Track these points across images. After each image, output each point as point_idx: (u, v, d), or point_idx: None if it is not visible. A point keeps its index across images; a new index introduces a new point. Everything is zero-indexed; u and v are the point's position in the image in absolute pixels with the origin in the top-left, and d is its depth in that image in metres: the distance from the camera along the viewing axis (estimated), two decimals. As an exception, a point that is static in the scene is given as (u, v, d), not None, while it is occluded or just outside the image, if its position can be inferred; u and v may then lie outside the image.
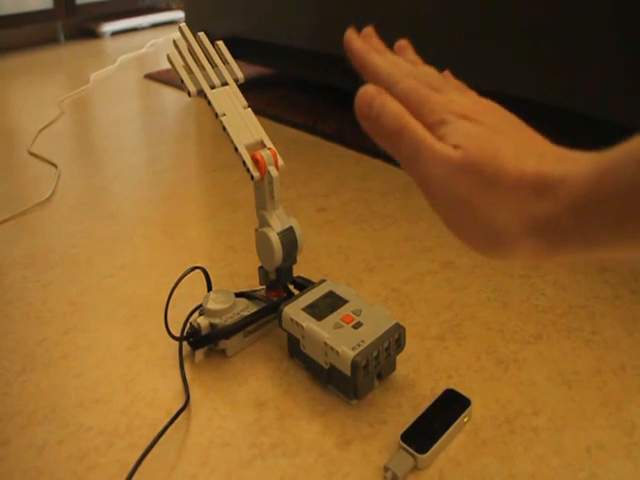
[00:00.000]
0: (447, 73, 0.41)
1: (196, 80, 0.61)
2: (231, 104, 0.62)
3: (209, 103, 0.61)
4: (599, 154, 0.29)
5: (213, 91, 0.61)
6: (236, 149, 0.59)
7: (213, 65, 0.63)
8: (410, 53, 0.43)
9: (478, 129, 0.34)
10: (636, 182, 0.26)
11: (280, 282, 0.67)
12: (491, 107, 0.37)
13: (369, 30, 0.43)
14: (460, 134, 0.34)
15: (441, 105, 0.36)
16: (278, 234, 0.62)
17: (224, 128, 0.60)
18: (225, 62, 0.64)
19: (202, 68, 0.62)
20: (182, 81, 0.60)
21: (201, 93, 0.61)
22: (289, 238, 0.63)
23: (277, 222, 0.63)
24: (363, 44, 0.41)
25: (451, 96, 0.37)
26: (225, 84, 0.63)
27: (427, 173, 0.34)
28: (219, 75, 0.63)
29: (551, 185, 0.30)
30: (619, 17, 0.77)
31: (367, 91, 0.36)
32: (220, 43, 0.64)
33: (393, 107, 0.36)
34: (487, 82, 0.94)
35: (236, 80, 0.64)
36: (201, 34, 0.63)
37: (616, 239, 0.28)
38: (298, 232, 0.64)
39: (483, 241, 0.33)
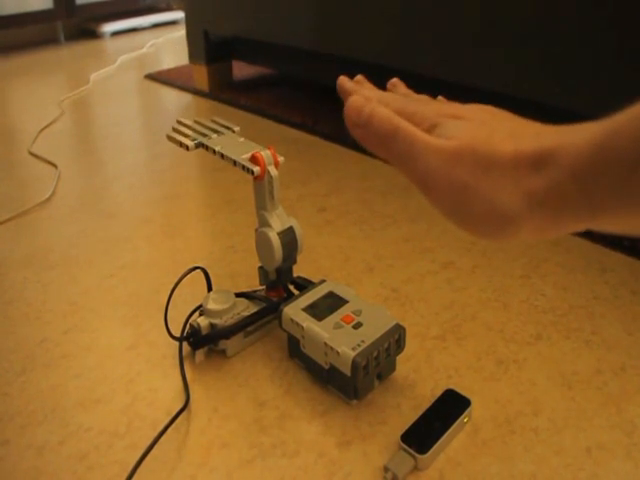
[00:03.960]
0: (441, 98, 0.43)
1: (193, 137, 0.64)
2: (225, 139, 0.64)
3: (206, 147, 0.62)
4: (599, 121, 0.29)
5: (209, 139, 0.64)
6: (235, 162, 0.60)
7: (212, 130, 0.66)
8: (402, 88, 0.45)
9: (470, 123, 0.35)
10: None
11: (280, 282, 0.67)
12: (481, 107, 0.38)
13: (360, 77, 0.46)
14: (452, 129, 0.35)
15: (433, 111, 0.37)
16: (278, 234, 0.62)
17: (222, 155, 0.61)
18: (223, 127, 0.67)
19: (201, 134, 0.65)
20: (181, 144, 0.62)
21: (199, 145, 0.63)
22: (289, 238, 0.63)
23: (277, 222, 0.63)
24: (355, 84, 0.43)
25: (442, 104, 0.39)
26: (220, 133, 0.65)
27: (423, 166, 0.35)
28: (214, 130, 0.66)
29: (550, 156, 0.30)
30: (618, 17, 0.77)
31: (356, 100, 0.38)
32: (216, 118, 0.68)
33: (383, 111, 0.37)
34: (485, 82, 0.94)
35: (232, 130, 0.66)
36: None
37: (621, 203, 0.28)
38: (298, 232, 0.64)
39: (488, 224, 0.33)
